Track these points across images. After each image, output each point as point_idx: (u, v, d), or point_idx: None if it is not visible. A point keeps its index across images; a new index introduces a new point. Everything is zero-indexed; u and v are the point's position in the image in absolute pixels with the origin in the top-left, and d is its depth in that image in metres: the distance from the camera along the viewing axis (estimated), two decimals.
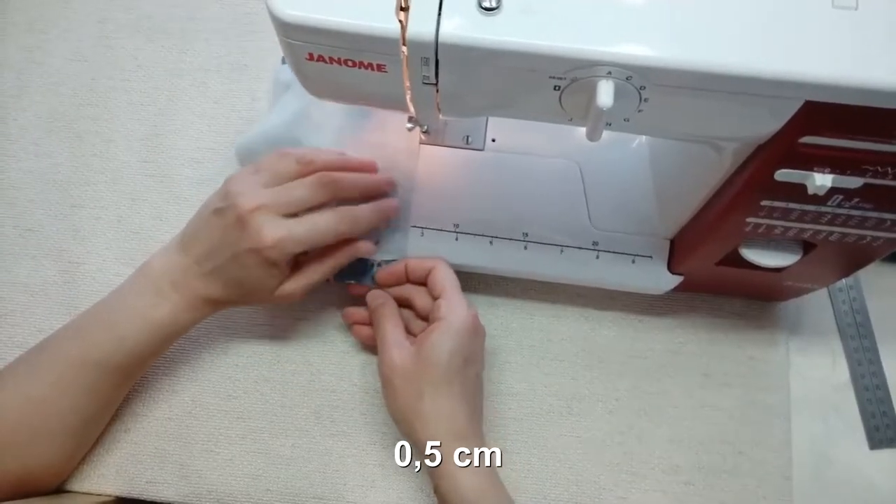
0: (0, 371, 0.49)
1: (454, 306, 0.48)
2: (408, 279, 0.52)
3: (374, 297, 0.52)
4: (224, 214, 0.46)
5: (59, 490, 0.53)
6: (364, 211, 0.49)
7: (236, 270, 0.47)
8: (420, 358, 0.46)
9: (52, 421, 0.48)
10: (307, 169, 0.48)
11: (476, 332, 0.48)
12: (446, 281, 0.49)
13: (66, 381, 0.48)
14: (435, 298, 0.49)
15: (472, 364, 0.48)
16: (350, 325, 0.55)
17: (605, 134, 0.36)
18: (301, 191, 0.47)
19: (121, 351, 0.48)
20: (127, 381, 0.51)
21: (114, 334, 0.48)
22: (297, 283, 0.49)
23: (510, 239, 0.53)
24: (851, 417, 0.55)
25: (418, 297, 0.51)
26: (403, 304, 0.52)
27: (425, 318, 0.51)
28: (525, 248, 0.53)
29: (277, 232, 0.45)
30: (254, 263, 0.46)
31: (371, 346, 0.54)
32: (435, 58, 0.33)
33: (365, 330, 0.53)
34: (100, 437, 0.54)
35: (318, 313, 0.57)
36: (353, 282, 0.53)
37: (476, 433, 0.47)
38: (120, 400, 0.53)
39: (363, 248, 0.51)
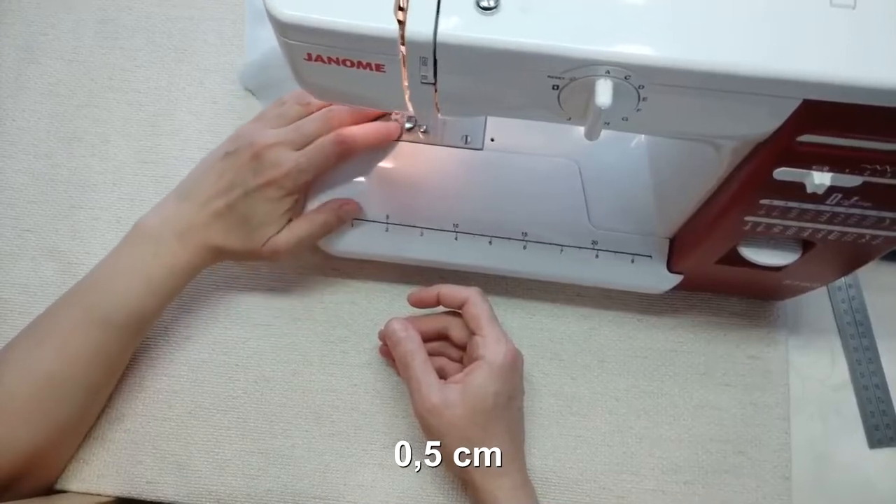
0: (5, 347, 0.49)
1: (492, 343, 0.47)
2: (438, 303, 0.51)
3: (394, 331, 0.49)
4: (238, 154, 0.48)
5: (59, 490, 0.53)
6: (362, 129, 0.50)
7: (245, 207, 0.48)
8: (464, 402, 0.45)
9: (60, 391, 0.48)
10: (309, 109, 0.50)
11: (516, 366, 0.48)
12: (482, 315, 0.48)
13: (72, 348, 0.48)
14: (471, 332, 0.49)
15: (514, 398, 0.48)
16: (387, 356, 0.55)
17: (604, 133, 0.36)
18: (312, 125, 0.49)
19: (124, 309, 0.48)
20: (130, 343, 0.51)
21: (115, 293, 0.48)
22: (289, 234, 0.50)
23: (509, 238, 0.53)
24: (851, 416, 0.55)
25: (454, 328, 0.50)
26: (439, 336, 0.51)
27: (462, 346, 0.50)
28: (524, 247, 0.53)
29: (291, 161, 0.47)
30: (265, 198, 0.48)
31: (393, 367, 0.55)
32: (433, 57, 0.33)
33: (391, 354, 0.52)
34: (100, 437, 0.54)
35: (318, 313, 0.57)
36: None
37: (519, 467, 0.47)
38: (123, 367, 0.53)
39: (351, 209, 0.52)
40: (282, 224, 0.49)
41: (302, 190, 0.50)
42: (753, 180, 0.38)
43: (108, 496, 0.53)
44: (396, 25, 0.32)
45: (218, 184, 0.48)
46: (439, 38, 0.32)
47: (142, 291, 0.48)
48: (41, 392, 0.47)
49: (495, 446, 0.46)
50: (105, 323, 0.48)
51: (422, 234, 0.53)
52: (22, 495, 0.49)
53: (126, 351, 0.52)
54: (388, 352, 0.52)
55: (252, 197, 0.48)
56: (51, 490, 0.53)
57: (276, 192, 0.48)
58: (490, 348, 0.46)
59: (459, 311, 0.50)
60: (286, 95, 0.51)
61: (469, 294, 0.49)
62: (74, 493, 0.53)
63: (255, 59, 0.61)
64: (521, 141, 0.55)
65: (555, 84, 0.34)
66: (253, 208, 0.48)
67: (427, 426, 0.47)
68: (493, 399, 0.45)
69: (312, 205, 0.53)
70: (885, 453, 0.54)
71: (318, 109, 0.50)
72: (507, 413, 0.47)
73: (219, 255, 0.50)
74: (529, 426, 0.53)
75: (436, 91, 0.35)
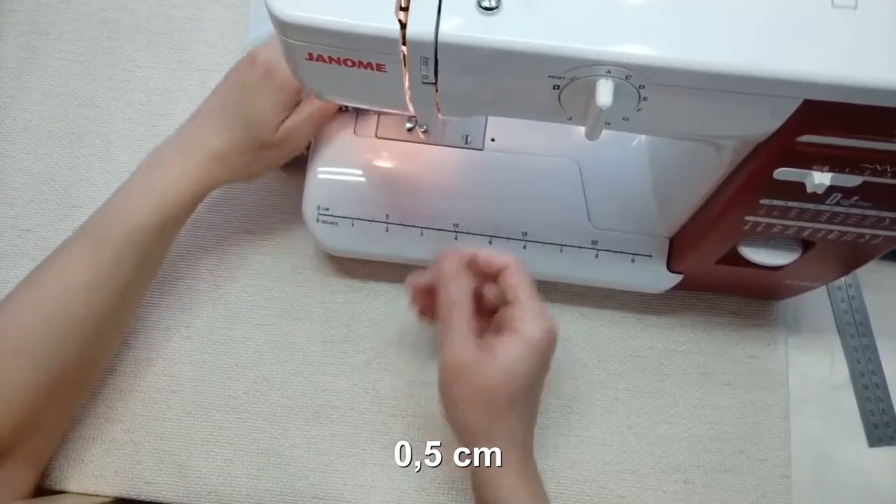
0: (20, 282, 0.48)
1: (532, 319, 0.43)
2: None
3: (450, 264, 0.44)
4: (240, 64, 0.49)
5: (59, 490, 0.53)
6: None
7: (244, 105, 0.48)
8: (494, 372, 0.42)
9: (62, 327, 0.47)
10: None
11: (551, 347, 0.44)
12: (521, 285, 0.44)
13: (72, 274, 0.47)
14: (506, 301, 0.45)
15: (540, 384, 0.45)
16: (411, 293, 0.49)
17: (605, 133, 0.36)
18: None
19: (122, 225, 0.47)
20: (133, 271, 0.48)
21: (116, 210, 0.48)
22: (295, 117, 0.50)
23: (509, 238, 0.53)
24: (850, 416, 0.55)
25: (488, 288, 0.46)
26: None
27: (492, 310, 0.46)
28: (524, 247, 0.53)
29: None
30: (263, 89, 0.48)
31: (426, 316, 0.50)
32: (434, 57, 0.33)
33: (424, 301, 0.48)
34: (99, 437, 0.54)
35: (318, 313, 0.57)
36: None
37: (530, 452, 0.45)
38: (129, 306, 0.51)
39: None
40: (282, 115, 0.49)
41: (297, 88, 0.49)
42: (754, 180, 0.38)
43: (108, 496, 0.53)
44: (398, 25, 0.32)
45: (221, 92, 0.49)
46: (440, 38, 0.32)
47: (142, 206, 0.47)
48: (43, 328, 0.46)
49: (509, 425, 0.43)
50: (105, 243, 0.47)
51: (422, 234, 0.53)
52: (25, 458, 0.48)
53: (130, 282, 0.49)
54: (420, 302, 0.49)
55: (249, 92, 0.48)
56: (46, 491, 0.53)
57: (272, 83, 0.48)
58: (528, 323, 0.43)
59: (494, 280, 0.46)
60: None
61: (508, 261, 0.45)
62: (74, 493, 0.53)
63: (258, 37, 0.61)
64: (521, 141, 0.55)
65: (556, 84, 0.34)
66: (251, 104, 0.48)
67: (447, 383, 0.43)
68: (525, 379, 0.42)
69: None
70: (884, 452, 0.54)
71: None
72: (531, 394, 0.44)
73: (223, 162, 0.49)
74: None
75: (437, 91, 0.35)
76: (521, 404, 0.44)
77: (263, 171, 0.52)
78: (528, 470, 0.45)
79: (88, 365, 0.50)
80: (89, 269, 0.47)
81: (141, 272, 0.50)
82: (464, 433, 0.44)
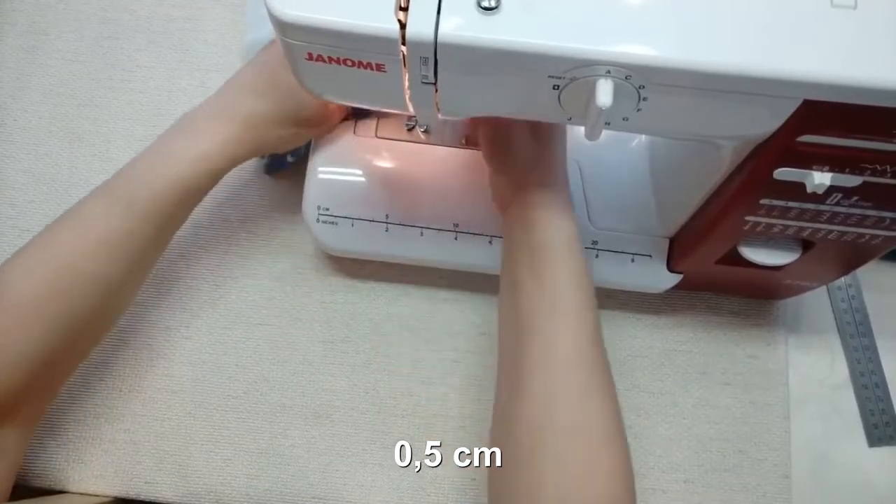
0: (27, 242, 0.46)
1: None
2: None
3: None
4: (272, 43, 0.49)
5: (58, 490, 0.53)
6: None
7: (275, 72, 0.47)
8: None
9: (77, 289, 0.45)
10: None
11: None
12: None
13: (91, 238, 0.45)
14: None
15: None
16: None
17: (604, 133, 0.36)
18: None
19: (147, 191, 0.46)
20: (151, 241, 0.48)
21: (140, 175, 0.46)
22: None
23: None
24: (850, 416, 0.55)
25: None
26: None
27: None
28: None
29: None
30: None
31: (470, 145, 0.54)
32: (434, 57, 0.33)
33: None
34: (99, 437, 0.54)
35: (318, 313, 0.57)
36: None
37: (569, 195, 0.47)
38: (142, 274, 0.49)
39: None
40: None
41: None
42: (754, 180, 0.38)
43: (108, 496, 0.53)
44: (397, 25, 0.32)
45: (256, 65, 0.48)
46: (440, 38, 0.32)
47: (170, 170, 0.46)
48: (57, 285, 0.44)
49: (556, 157, 0.46)
50: (128, 209, 0.45)
51: (422, 234, 0.53)
52: (24, 420, 0.46)
53: (149, 245, 0.48)
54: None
55: (278, 62, 0.46)
56: (46, 491, 0.53)
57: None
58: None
59: None
60: None
61: None
62: (74, 493, 0.53)
63: (256, 38, 0.61)
64: None
65: (555, 84, 0.34)
66: (281, 72, 0.46)
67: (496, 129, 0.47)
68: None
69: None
70: (884, 452, 0.54)
71: None
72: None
73: (257, 131, 0.48)
74: None
75: (436, 91, 0.35)
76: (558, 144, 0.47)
77: (293, 147, 0.53)
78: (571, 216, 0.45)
79: (96, 327, 0.49)
80: (111, 227, 0.46)
81: (160, 236, 0.49)
82: (520, 174, 0.46)
